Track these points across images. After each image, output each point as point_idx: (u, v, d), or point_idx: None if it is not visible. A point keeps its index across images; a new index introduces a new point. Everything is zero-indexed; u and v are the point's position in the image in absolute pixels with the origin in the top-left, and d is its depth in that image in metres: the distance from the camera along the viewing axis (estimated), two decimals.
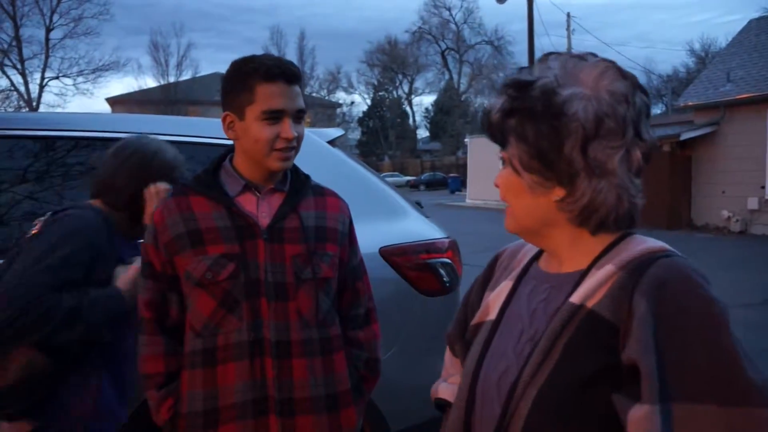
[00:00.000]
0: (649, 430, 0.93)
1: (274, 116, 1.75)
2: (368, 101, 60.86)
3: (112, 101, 45.44)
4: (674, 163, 16.73)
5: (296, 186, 1.89)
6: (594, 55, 1.15)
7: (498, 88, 1.17)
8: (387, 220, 2.97)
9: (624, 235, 1.15)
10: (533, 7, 25.03)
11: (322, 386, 1.80)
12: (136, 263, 1.99)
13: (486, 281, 1.38)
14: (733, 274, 9.71)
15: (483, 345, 1.22)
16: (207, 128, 2.91)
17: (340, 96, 60.13)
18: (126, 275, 2.01)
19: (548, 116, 1.08)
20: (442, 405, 1.40)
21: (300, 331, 1.78)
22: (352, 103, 61.69)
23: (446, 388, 1.40)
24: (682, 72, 46.35)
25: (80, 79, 40.93)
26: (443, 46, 59.91)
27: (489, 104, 1.18)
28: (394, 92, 61.61)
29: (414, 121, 63.22)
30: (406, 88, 62.03)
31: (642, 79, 1.65)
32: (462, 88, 59.59)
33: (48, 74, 40.23)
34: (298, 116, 1.80)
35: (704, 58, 43.95)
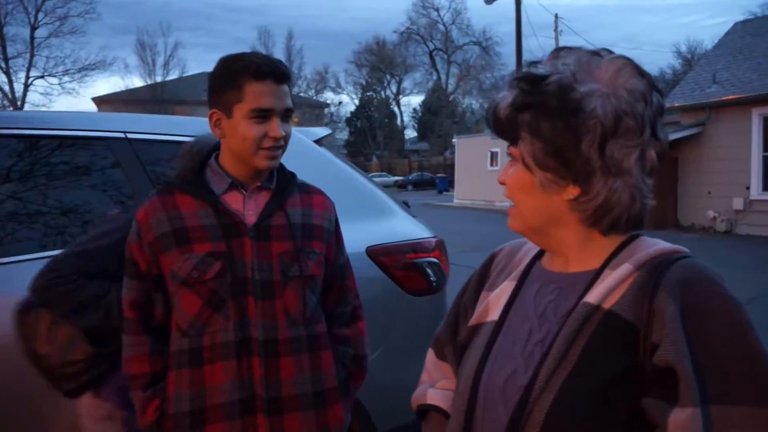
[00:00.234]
0: None
1: (262, 115, 1.75)
2: (356, 101, 60.87)
3: (99, 101, 45.17)
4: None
5: (282, 184, 1.88)
6: (608, 51, 1.12)
7: (507, 81, 1.13)
8: (374, 220, 2.97)
9: (634, 236, 1.13)
10: (521, 8, 25.12)
11: (309, 384, 1.80)
12: None
13: (481, 282, 1.32)
14: (720, 273, 9.75)
15: (485, 347, 1.17)
16: (193, 127, 2.89)
17: (328, 96, 60.29)
18: None
19: (565, 112, 1.04)
20: (424, 411, 1.34)
21: (287, 330, 1.77)
22: (340, 103, 61.82)
23: (436, 393, 1.33)
24: (669, 73, 46.64)
25: (66, 78, 40.76)
26: (431, 47, 60.05)
27: (496, 98, 1.13)
28: (382, 92, 61.64)
29: (402, 121, 63.31)
30: (394, 89, 62.14)
31: None
32: (450, 88, 59.72)
33: (33, 73, 40.01)
34: (285, 115, 1.80)
35: (690, 60, 44.28)
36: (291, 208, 1.86)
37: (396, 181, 45.60)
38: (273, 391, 1.74)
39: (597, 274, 1.09)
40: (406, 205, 3.38)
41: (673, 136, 16.45)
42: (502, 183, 1.17)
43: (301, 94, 52.61)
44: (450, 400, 1.26)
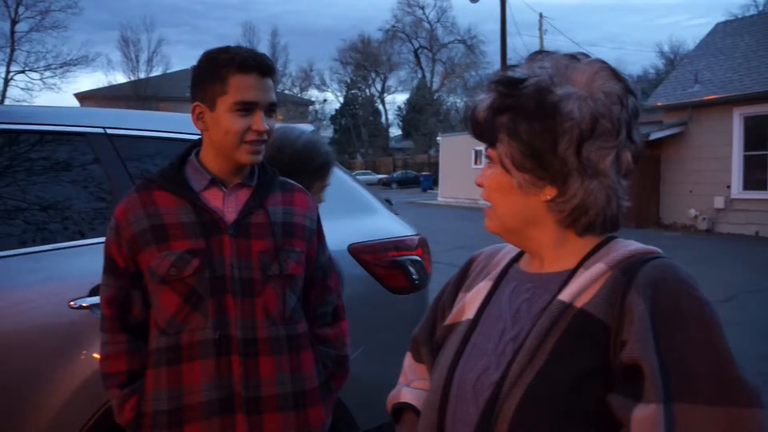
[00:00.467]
0: (654, 429, 0.92)
1: (246, 108, 1.73)
2: (341, 99, 60.81)
3: (81, 96, 44.75)
4: (643, 162, 16.84)
5: (264, 181, 1.86)
6: (585, 54, 1.14)
7: (485, 84, 1.14)
8: (356, 217, 2.96)
9: (609, 238, 1.15)
10: (506, 6, 25.18)
11: (289, 384, 1.78)
12: None
13: (459, 283, 1.34)
14: (700, 271, 9.76)
15: (459, 345, 1.18)
16: (174, 123, 2.86)
17: (313, 93, 59.98)
18: None
19: (543, 114, 1.06)
20: (399, 410, 1.35)
21: (267, 329, 1.76)
22: (325, 100, 61.55)
23: (410, 392, 1.35)
24: (652, 73, 46.96)
25: (47, 73, 40.26)
26: (416, 45, 60.10)
27: (473, 101, 1.15)
28: (367, 90, 61.61)
29: (386, 119, 63.24)
30: (378, 87, 62.12)
31: None
32: (434, 86, 59.79)
33: (14, 68, 39.54)
34: (270, 109, 1.78)
35: (673, 60, 44.60)
36: (272, 206, 1.84)
37: (380, 179, 45.60)
38: (252, 390, 1.73)
39: (571, 274, 1.11)
40: (388, 203, 3.38)
41: (655, 135, 16.60)
42: (479, 185, 1.19)
43: (286, 92, 52.42)
44: (424, 399, 1.27)
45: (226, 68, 1.72)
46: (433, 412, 1.16)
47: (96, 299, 2.24)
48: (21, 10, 39.33)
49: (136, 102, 39.24)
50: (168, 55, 69.26)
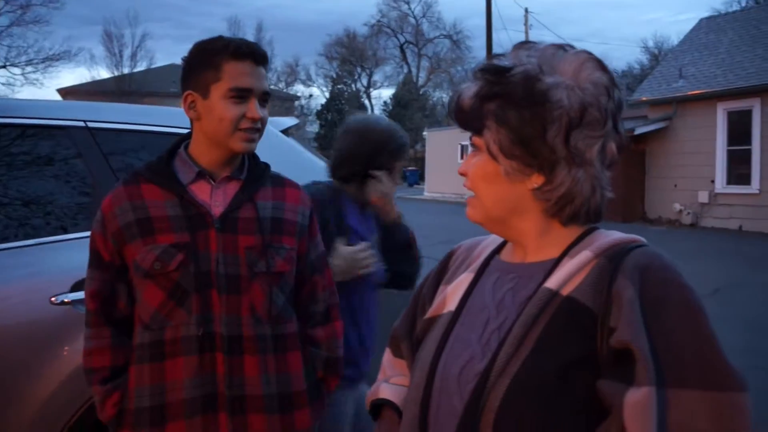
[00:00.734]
0: (647, 412, 0.93)
1: (240, 95, 1.71)
2: (326, 94, 60.47)
3: (64, 92, 44.30)
4: (628, 156, 17.02)
5: (254, 175, 1.82)
6: (572, 46, 1.15)
7: (472, 73, 1.14)
8: None
9: (591, 228, 1.15)
10: (492, 2, 25.20)
11: (274, 385, 1.74)
12: (360, 246, 2.22)
13: (440, 277, 1.33)
14: (685, 265, 9.83)
15: (441, 337, 1.17)
16: (158, 116, 2.83)
17: (299, 88, 59.77)
18: (344, 250, 2.19)
19: (532, 102, 1.06)
20: (378, 406, 1.33)
21: (252, 327, 1.72)
22: (311, 95, 61.31)
23: (388, 388, 1.33)
24: (637, 68, 47.09)
25: (29, 68, 39.66)
26: (402, 40, 59.96)
27: (459, 89, 1.15)
28: (353, 85, 61.42)
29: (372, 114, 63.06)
30: (364, 82, 61.91)
31: None
32: (420, 81, 59.75)
33: None
34: (263, 98, 1.76)
35: (657, 55, 44.79)
36: (261, 200, 1.80)
37: None
38: (236, 389, 1.69)
39: (556, 263, 1.11)
40: None
41: (640, 130, 16.69)
42: (463, 174, 1.18)
43: (272, 87, 51.65)
44: (404, 395, 1.26)
45: (220, 55, 1.70)
46: (415, 407, 1.14)
47: (78, 295, 2.22)
48: (1, 4, 38.84)
49: (120, 97, 38.86)
50: (152, 50, 68.76)
